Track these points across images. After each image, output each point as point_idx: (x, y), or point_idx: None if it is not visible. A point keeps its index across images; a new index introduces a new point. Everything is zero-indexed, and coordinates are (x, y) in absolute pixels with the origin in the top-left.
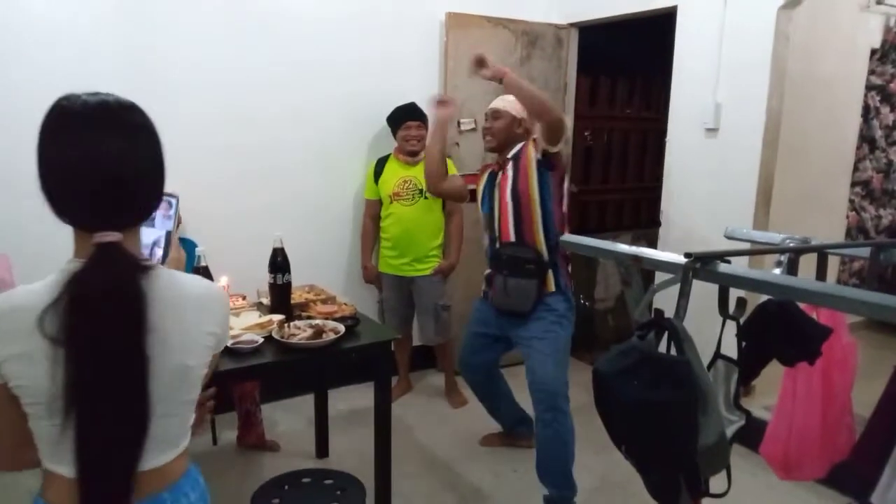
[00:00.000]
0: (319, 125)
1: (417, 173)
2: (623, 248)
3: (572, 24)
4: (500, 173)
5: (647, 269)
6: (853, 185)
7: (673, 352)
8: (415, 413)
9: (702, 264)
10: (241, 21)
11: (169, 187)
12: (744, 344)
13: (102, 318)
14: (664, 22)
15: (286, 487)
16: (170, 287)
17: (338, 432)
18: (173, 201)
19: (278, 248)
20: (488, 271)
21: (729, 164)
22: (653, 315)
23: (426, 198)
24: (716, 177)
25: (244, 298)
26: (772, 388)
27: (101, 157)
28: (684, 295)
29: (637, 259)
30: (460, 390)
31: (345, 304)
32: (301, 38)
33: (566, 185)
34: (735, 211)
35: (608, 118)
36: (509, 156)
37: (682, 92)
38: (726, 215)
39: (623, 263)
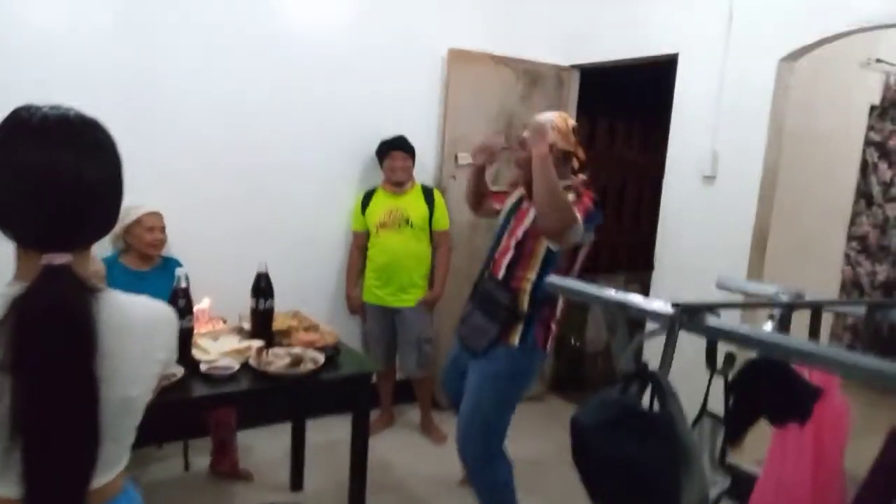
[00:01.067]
0: (315, 153)
1: (404, 203)
2: (610, 294)
3: (574, 66)
4: (526, 205)
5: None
6: (849, 239)
7: (657, 406)
8: (395, 447)
9: (689, 316)
10: (242, 43)
11: (159, 204)
12: (731, 401)
13: (49, 344)
14: (665, 67)
15: None
16: (118, 312)
17: (314, 464)
18: None
19: (262, 273)
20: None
21: (725, 212)
22: (638, 366)
23: (412, 227)
24: (711, 224)
25: (225, 322)
26: (763, 440)
27: (57, 175)
28: (670, 346)
29: (623, 307)
30: (437, 426)
31: (329, 331)
32: (302, 65)
33: (581, 256)
34: (729, 259)
35: (606, 159)
36: None
37: (681, 138)
38: (720, 263)
39: (609, 310)
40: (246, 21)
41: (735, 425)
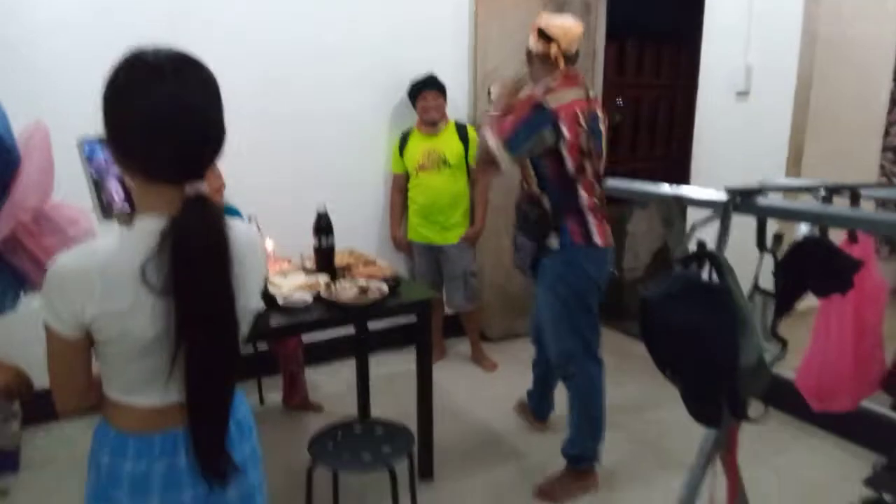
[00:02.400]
0: (352, 97)
1: (440, 144)
2: (666, 188)
3: None
4: None
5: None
6: (884, 150)
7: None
8: (450, 377)
9: (742, 198)
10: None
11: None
12: (780, 277)
13: (203, 265)
14: None
15: (339, 434)
16: (237, 234)
17: (379, 395)
18: None
19: (322, 213)
20: None
21: (760, 127)
22: (697, 247)
23: (450, 167)
24: (746, 140)
25: (289, 262)
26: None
27: (191, 107)
28: (725, 228)
29: (679, 199)
30: (487, 355)
31: (386, 265)
32: (333, 10)
33: (568, 151)
34: (765, 173)
35: (636, 86)
36: None
37: (713, 55)
38: (756, 177)
39: (665, 203)
40: None
41: (784, 299)
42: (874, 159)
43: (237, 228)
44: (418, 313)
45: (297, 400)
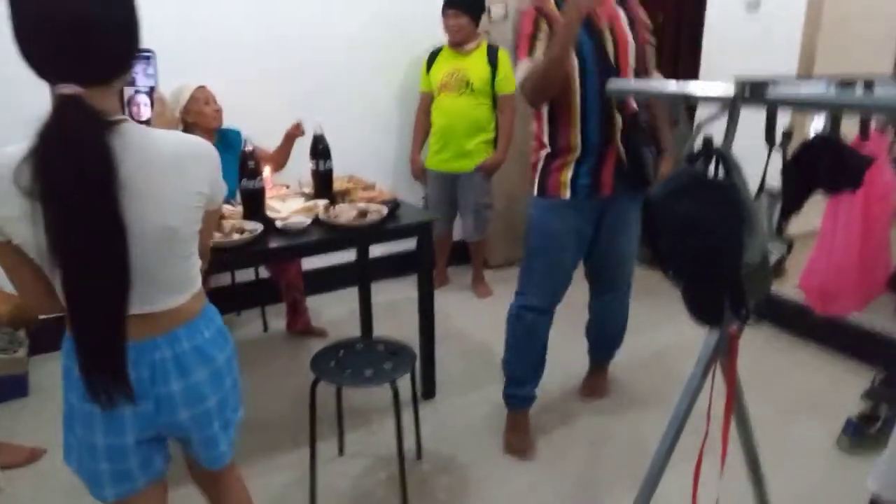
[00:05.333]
0: (364, 15)
1: (466, 64)
2: (672, 85)
3: None
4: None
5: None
6: None
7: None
8: (452, 303)
9: (751, 90)
10: None
11: (209, 80)
12: (788, 175)
13: (67, 171)
14: None
15: (341, 352)
16: (143, 144)
17: (381, 321)
18: (151, 56)
19: (318, 135)
20: None
21: (770, 40)
22: (703, 144)
23: (473, 91)
24: (757, 54)
25: (287, 187)
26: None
27: (62, 10)
28: (733, 122)
29: (685, 96)
30: (486, 283)
31: (386, 190)
32: None
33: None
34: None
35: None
36: None
37: None
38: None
39: (672, 102)
40: None
41: (791, 197)
42: (888, 73)
43: (158, 138)
44: (418, 236)
45: (300, 326)
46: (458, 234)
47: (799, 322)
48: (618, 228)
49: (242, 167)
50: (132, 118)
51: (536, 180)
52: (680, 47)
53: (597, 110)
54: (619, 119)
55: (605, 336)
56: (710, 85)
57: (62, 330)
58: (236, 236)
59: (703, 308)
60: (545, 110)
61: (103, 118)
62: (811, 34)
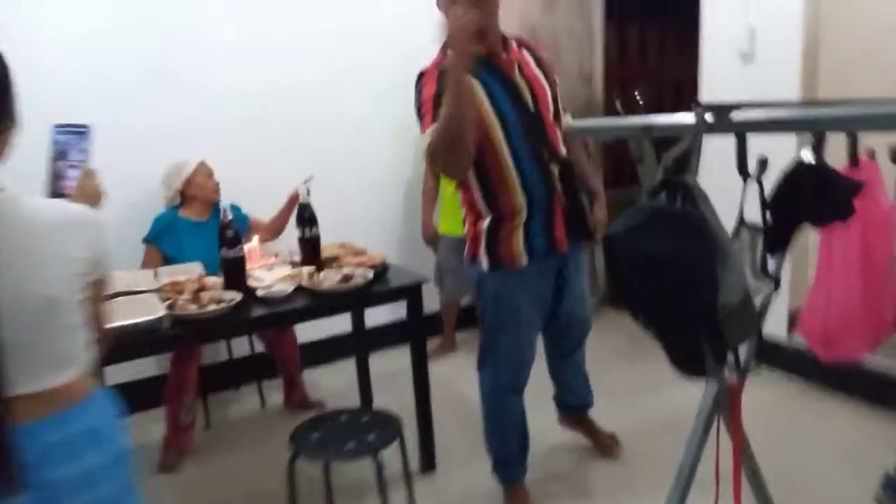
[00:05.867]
0: (363, 86)
1: None
2: (632, 120)
3: None
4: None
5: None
6: None
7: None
8: (459, 369)
9: (715, 115)
10: None
11: (207, 154)
12: (771, 207)
13: None
14: None
15: (325, 425)
16: (17, 214)
17: (381, 392)
18: (86, 131)
19: (304, 203)
20: None
21: (767, 92)
22: (665, 175)
23: None
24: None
25: (276, 256)
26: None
27: None
28: (696, 150)
29: (647, 128)
30: None
31: (377, 255)
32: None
33: None
34: (774, 141)
35: (639, 72)
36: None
37: (714, 17)
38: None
39: (633, 137)
40: None
41: (775, 233)
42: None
43: (35, 207)
44: (408, 298)
45: (298, 400)
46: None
47: (819, 369)
48: (573, 282)
49: (221, 237)
50: (57, 191)
51: (483, 253)
52: (680, 105)
53: (532, 163)
54: (554, 168)
55: (582, 392)
56: (673, 116)
57: None
58: (212, 307)
59: (682, 357)
60: (472, 176)
61: None
62: (810, 84)
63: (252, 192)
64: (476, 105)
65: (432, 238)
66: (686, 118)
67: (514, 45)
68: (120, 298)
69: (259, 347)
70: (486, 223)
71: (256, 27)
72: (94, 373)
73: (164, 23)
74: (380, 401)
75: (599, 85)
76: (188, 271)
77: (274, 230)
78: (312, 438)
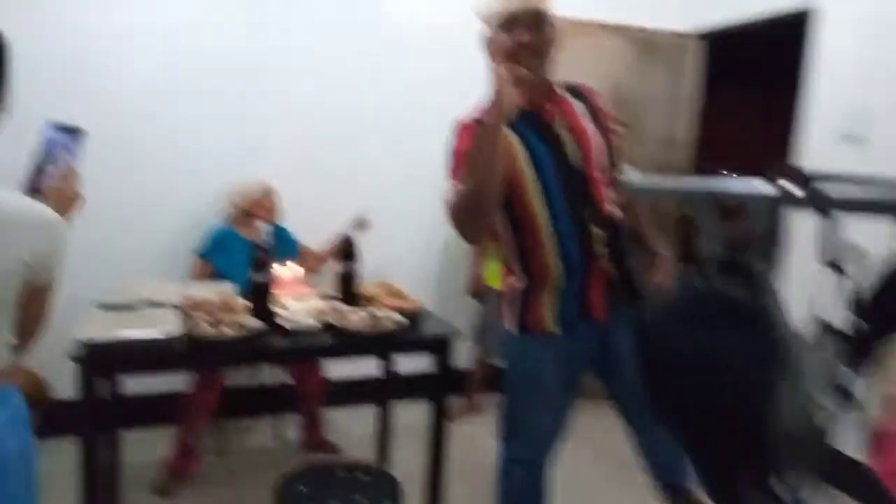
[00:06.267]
0: (411, 121)
1: None
2: (696, 182)
3: (698, 34)
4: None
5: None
6: None
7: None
8: (485, 433)
9: (802, 185)
10: (353, 21)
11: (267, 173)
12: (864, 310)
13: None
14: (790, 25)
15: (316, 477)
16: None
17: (402, 444)
18: (79, 134)
19: (346, 237)
20: None
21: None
22: (726, 251)
23: None
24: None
25: (311, 287)
26: None
27: None
28: (771, 229)
29: (712, 193)
30: None
31: (413, 299)
32: (403, 43)
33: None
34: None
35: (737, 139)
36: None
37: (819, 95)
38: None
39: (695, 203)
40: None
41: (864, 342)
42: None
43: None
44: (435, 351)
45: (315, 440)
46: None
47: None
48: (622, 351)
49: (252, 258)
50: (33, 187)
51: (514, 315)
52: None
53: (571, 224)
54: (597, 231)
55: (673, 466)
56: (747, 181)
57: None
58: (228, 331)
59: (718, 484)
60: (508, 234)
61: None
62: None
63: (308, 217)
64: (510, 161)
65: (481, 291)
66: (764, 186)
67: (560, 93)
68: (140, 308)
69: (286, 378)
70: (517, 283)
71: (332, 61)
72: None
73: (249, 43)
74: (398, 455)
75: (686, 151)
76: (219, 290)
77: (319, 262)
78: (299, 490)
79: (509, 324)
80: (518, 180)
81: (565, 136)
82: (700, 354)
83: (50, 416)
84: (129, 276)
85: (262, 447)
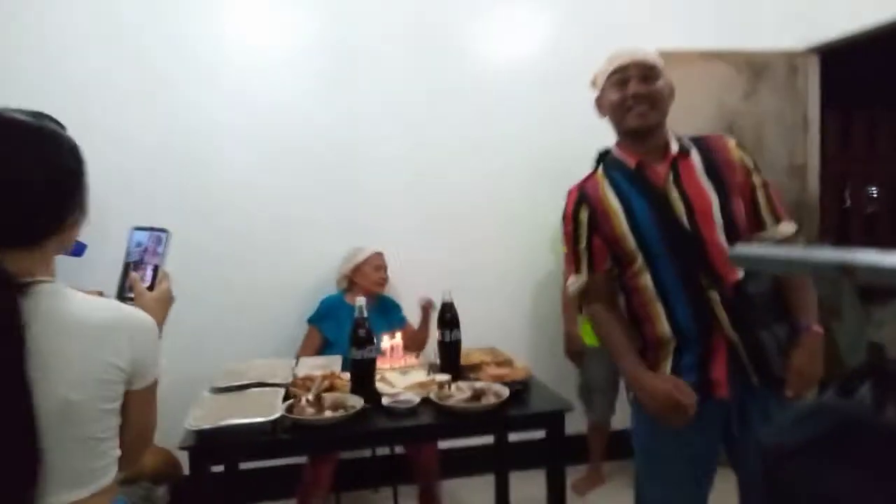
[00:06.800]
0: (510, 185)
1: None
2: (827, 253)
3: (811, 50)
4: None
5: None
6: None
7: None
8: None
9: None
10: (441, 82)
11: (374, 244)
12: None
13: None
14: None
15: None
16: (58, 309)
17: None
18: (164, 235)
19: (447, 303)
20: None
21: None
22: (871, 354)
23: None
24: None
25: (417, 357)
26: None
27: None
28: None
29: (850, 270)
30: None
31: (522, 367)
32: (492, 96)
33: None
34: None
35: (866, 161)
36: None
37: None
38: None
39: (829, 279)
40: (435, 63)
41: None
42: None
43: (78, 302)
44: (548, 427)
45: None
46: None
47: None
48: (747, 439)
49: (353, 335)
50: (121, 291)
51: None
52: None
53: (682, 291)
54: (715, 296)
55: None
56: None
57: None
58: (329, 413)
59: None
60: (623, 298)
61: (14, 280)
62: None
63: (408, 280)
64: (610, 224)
65: (577, 352)
66: None
67: (674, 148)
68: (250, 391)
69: (401, 448)
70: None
71: (425, 131)
72: (109, 491)
73: (340, 132)
74: None
75: (815, 181)
76: (329, 364)
77: (417, 341)
78: None
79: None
80: (619, 244)
81: (675, 196)
82: (845, 499)
83: (179, 491)
84: (249, 356)
85: None
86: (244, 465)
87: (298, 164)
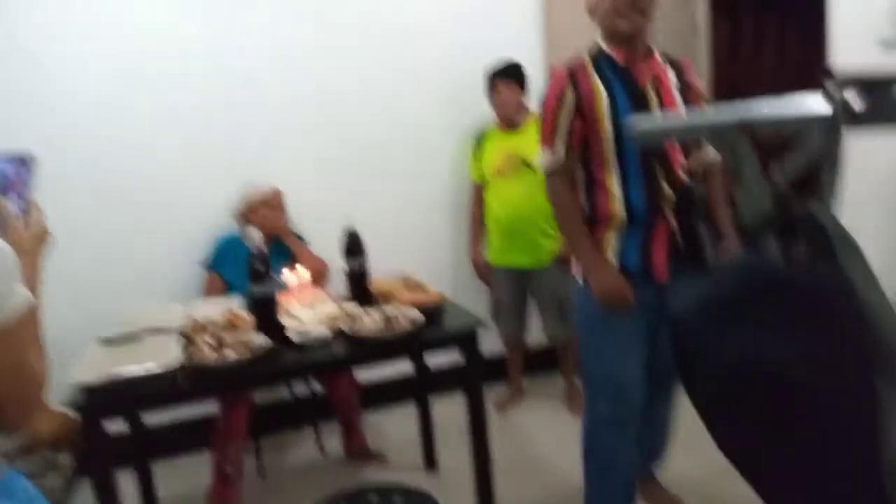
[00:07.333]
0: (405, 99)
1: (521, 143)
2: (723, 111)
3: None
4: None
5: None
6: None
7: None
8: (537, 421)
9: (866, 97)
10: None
11: (270, 171)
12: None
13: None
14: None
15: (351, 502)
16: None
17: (447, 444)
18: (28, 161)
19: (351, 232)
20: None
21: None
22: (780, 200)
23: (534, 170)
24: None
25: (324, 290)
26: None
27: None
28: (832, 161)
29: (747, 125)
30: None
31: (436, 292)
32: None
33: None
34: None
35: (752, 70)
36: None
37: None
38: None
39: (726, 140)
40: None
41: None
42: None
43: None
44: (463, 347)
45: (356, 448)
46: (537, 338)
47: None
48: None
49: (250, 269)
50: None
51: (578, 265)
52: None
53: (640, 180)
54: (667, 190)
55: (653, 450)
56: (791, 100)
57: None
58: (232, 355)
59: None
60: (579, 176)
61: None
62: None
63: (312, 213)
64: (592, 104)
65: (485, 272)
66: (814, 104)
67: (657, 57)
68: (141, 339)
69: (318, 385)
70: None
71: (317, 36)
72: None
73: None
74: (445, 457)
75: (707, 79)
76: (225, 307)
77: (315, 271)
78: None
79: (577, 276)
80: (595, 127)
81: (652, 98)
82: (765, 363)
83: (84, 456)
84: (138, 303)
85: (306, 462)
86: (152, 422)
87: (183, 95)
